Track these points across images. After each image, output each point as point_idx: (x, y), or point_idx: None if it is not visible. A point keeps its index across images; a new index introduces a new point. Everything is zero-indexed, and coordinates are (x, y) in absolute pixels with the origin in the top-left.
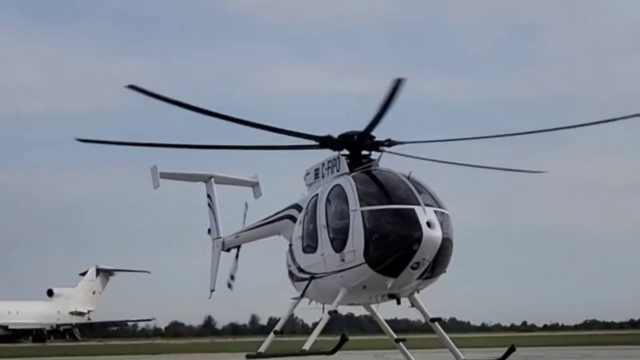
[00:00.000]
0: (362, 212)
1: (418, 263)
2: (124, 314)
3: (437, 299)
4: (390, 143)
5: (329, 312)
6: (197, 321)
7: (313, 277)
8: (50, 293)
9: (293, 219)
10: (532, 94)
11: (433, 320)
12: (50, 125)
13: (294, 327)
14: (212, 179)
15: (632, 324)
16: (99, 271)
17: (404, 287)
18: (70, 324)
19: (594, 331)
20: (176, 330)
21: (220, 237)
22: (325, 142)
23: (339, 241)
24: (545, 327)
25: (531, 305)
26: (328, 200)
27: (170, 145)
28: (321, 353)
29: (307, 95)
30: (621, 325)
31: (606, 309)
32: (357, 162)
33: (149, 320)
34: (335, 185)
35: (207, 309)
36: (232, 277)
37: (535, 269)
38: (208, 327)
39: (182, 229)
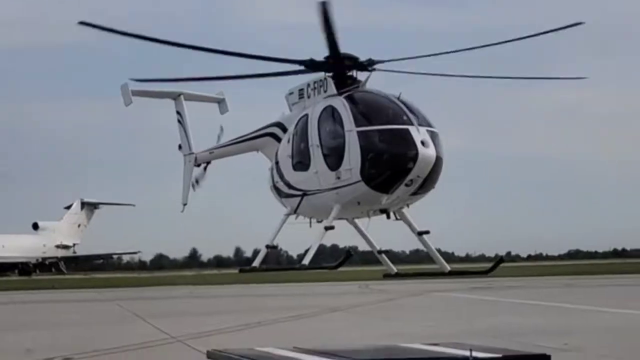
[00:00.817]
0: (357, 132)
1: (412, 180)
2: (109, 247)
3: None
4: (370, 62)
5: (325, 228)
6: (181, 254)
7: (305, 193)
8: (35, 226)
9: (275, 136)
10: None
11: (420, 233)
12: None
13: (278, 259)
14: (182, 96)
15: (616, 254)
16: (84, 204)
17: (397, 202)
18: (56, 257)
19: (578, 261)
20: (161, 262)
21: (192, 153)
22: (308, 65)
23: (334, 160)
24: (529, 258)
25: (515, 236)
26: (320, 121)
27: (151, 80)
28: (324, 267)
29: (282, 28)
30: (605, 255)
31: (590, 239)
32: (343, 84)
33: (134, 253)
34: (327, 107)
35: (192, 241)
36: (197, 182)
37: (519, 199)
38: (193, 260)
39: (167, 162)
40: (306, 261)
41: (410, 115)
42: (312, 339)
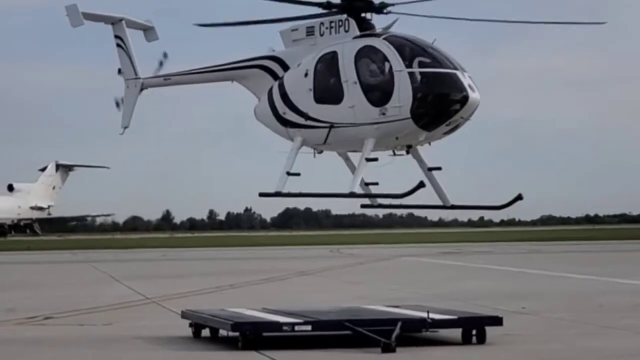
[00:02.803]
0: (408, 72)
1: (455, 121)
2: (84, 210)
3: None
4: (383, 5)
5: (367, 159)
6: (155, 216)
7: (333, 125)
8: (10, 188)
9: (268, 69)
10: None
11: (430, 169)
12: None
13: (252, 222)
14: (123, 22)
15: (588, 220)
16: (58, 167)
17: (430, 140)
18: (31, 219)
19: (550, 227)
20: (134, 224)
21: (138, 78)
22: (324, 6)
23: (379, 96)
24: (502, 223)
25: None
26: (357, 59)
27: None
28: (393, 196)
29: None
30: (577, 221)
31: (562, 204)
32: (360, 26)
33: (108, 215)
34: (366, 46)
35: (166, 203)
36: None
37: (491, 164)
38: (166, 222)
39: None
40: (355, 188)
41: (452, 59)
42: (281, 301)
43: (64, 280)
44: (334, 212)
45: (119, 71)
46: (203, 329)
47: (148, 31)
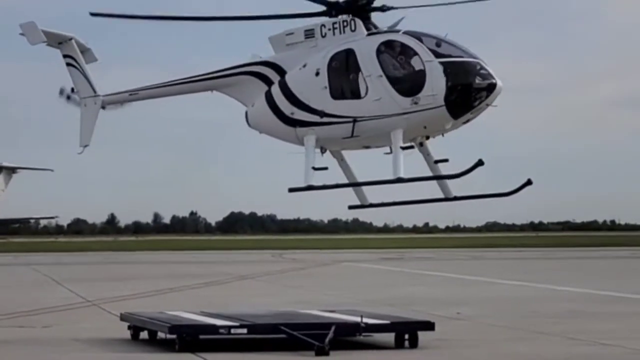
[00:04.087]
0: (439, 62)
1: (481, 108)
2: (27, 212)
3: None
4: (386, 8)
5: (402, 148)
6: (99, 219)
7: (356, 120)
8: None
9: (262, 76)
10: None
11: (437, 162)
12: None
13: (196, 226)
14: (73, 41)
15: (533, 227)
16: (1, 168)
17: (453, 128)
18: None
19: (494, 233)
20: (78, 227)
21: (97, 95)
22: (331, 6)
23: (410, 87)
24: (447, 229)
25: (433, 207)
26: (380, 54)
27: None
28: (450, 176)
29: None
30: (522, 228)
31: (507, 211)
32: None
33: (52, 218)
34: (387, 41)
35: (110, 207)
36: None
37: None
38: (111, 225)
39: None
40: (401, 173)
41: (470, 50)
42: (220, 305)
43: (5, 283)
44: (279, 217)
45: (72, 90)
46: (141, 332)
47: (86, 53)
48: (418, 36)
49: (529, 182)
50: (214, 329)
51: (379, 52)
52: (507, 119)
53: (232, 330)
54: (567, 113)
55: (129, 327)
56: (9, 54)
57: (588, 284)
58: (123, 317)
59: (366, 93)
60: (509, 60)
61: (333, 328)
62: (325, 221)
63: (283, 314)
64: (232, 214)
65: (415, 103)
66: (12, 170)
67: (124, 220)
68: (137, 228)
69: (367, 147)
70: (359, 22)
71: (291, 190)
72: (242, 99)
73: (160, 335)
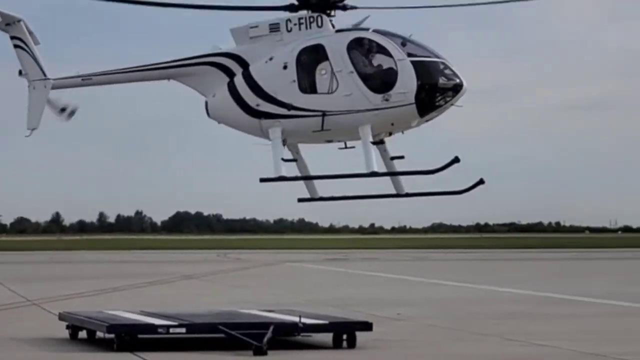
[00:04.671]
0: (410, 61)
1: (446, 107)
2: None
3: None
4: (349, 7)
5: (374, 142)
6: (44, 217)
7: (325, 114)
8: None
9: (223, 67)
10: None
11: (392, 158)
12: None
13: (142, 225)
14: (22, 23)
15: (478, 228)
16: None
17: (416, 126)
18: None
19: (440, 234)
20: (22, 226)
21: (47, 79)
22: (290, 8)
23: (381, 84)
24: (393, 230)
25: (379, 208)
26: (351, 50)
27: None
28: (425, 172)
29: None
30: (467, 229)
31: (454, 212)
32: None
33: None
34: (358, 38)
35: (55, 205)
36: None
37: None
38: (55, 224)
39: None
40: (374, 167)
41: (434, 50)
42: (162, 304)
43: None
44: (225, 216)
45: (20, 73)
46: (80, 331)
47: (31, 35)
48: (388, 34)
49: (481, 182)
50: (152, 328)
51: (349, 48)
52: (454, 120)
53: (171, 330)
54: (513, 116)
55: (68, 327)
56: None
57: (530, 286)
58: (61, 317)
59: (336, 88)
60: (462, 61)
61: (271, 328)
62: (271, 221)
63: (223, 313)
64: (178, 213)
65: (386, 100)
66: None
67: (68, 219)
68: (82, 227)
69: (330, 142)
70: (326, 19)
71: (262, 180)
72: (201, 89)
73: (99, 334)
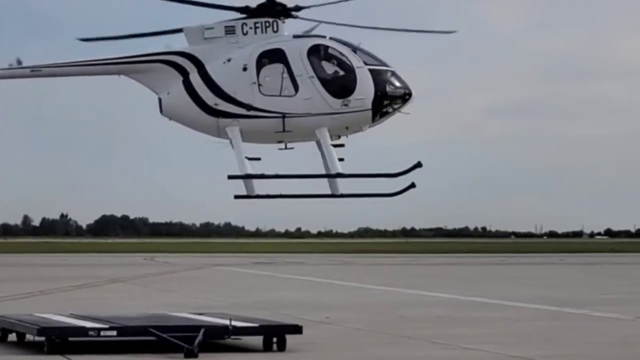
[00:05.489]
0: (367, 69)
1: (392, 114)
2: None
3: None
4: (297, 8)
5: (335, 145)
6: None
7: (285, 115)
8: None
9: (177, 66)
10: None
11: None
12: None
13: (67, 228)
14: None
15: (404, 232)
16: None
17: (364, 130)
18: None
19: (367, 239)
20: None
21: None
22: (244, 11)
23: (339, 90)
24: (319, 234)
25: (305, 212)
26: (311, 56)
27: None
28: (386, 175)
29: None
30: (394, 234)
31: (380, 217)
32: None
33: None
34: (317, 45)
35: None
36: None
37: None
38: None
39: None
40: (339, 169)
41: (381, 58)
42: (90, 307)
43: None
44: (151, 219)
45: None
46: (10, 334)
47: None
48: (347, 42)
49: (412, 185)
50: (83, 331)
51: (309, 54)
52: (383, 125)
53: (102, 333)
54: (441, 120)
55: None
56: None
57: (456, 290)
58: None
59: (296, 92)
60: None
61: (202, 331)
62: (198, 225)
63: (153, 316)
64: (104, 216)
65: (345, 105)
66: None
67: None
68: (5, 230)
69: (281, 142)
70: (282, 24)
71: (230, 177)
72: (153, 86)
73: (29, 337)
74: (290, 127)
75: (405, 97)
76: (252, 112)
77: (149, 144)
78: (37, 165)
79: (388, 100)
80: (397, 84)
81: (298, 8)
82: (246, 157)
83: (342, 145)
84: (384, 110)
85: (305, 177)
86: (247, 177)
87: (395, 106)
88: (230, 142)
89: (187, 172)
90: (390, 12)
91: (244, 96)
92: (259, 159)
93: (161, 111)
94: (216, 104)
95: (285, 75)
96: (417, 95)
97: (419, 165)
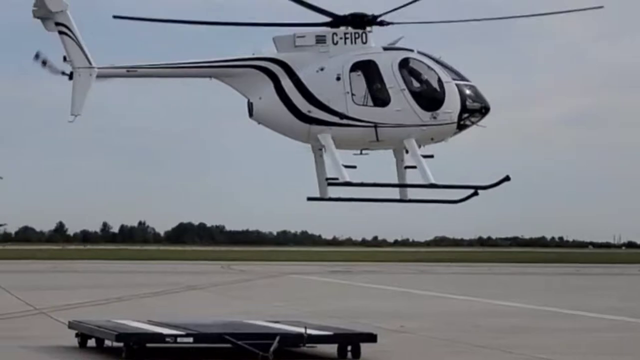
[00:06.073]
0: (455, 84)
1: (469, 126)
2: None
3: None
4: (383, 23)
5: (424, 156)
6: (48, 227)
7: (377, 125)
8: None
9: (268, 72)
10: None
11: (406, 167)
12: None
13: (145, 236)
14: (68, 10)
15: (481, 242)
16: None
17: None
18: None
19: (443, 248)
20: (26, 235)
21: (92, 67)
22: (336, 19)
23: (430, 103)
24: (396, 243)
25: (382, 221)
26: (402, 69)
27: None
28: (478, 187)
29: None
30: (470, 243)
31: (456, 226)
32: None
33: (1, 225)
34: (408, 58)
35: (59, 215)
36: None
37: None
38: (59, 234)
39: (35, 134)
40: (432, 179)
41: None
42: (167, 314)
43: None
44: (228, 228)
45: (37, 56)
46: (89, 339)
47: None
48: (434, 57)
49: (507, 178)
50: (160, 337)
51: (400, 67)
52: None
53: (179, 339)
54: (516, 130)
55: (77, 335)
56: None
57: (531, 300)
58: (71, 325)
59: (388, 103)
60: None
61: (277, 338)
62: (274, 233)
63: (229, 323)
64: (181, 224)
65: (434, 117)
66: None
67: (72, 229)
68: (85, 237)
69: (365, 149)
70: (370, 35)
71: (330, 184)
72: (244, 90)
73: (107, 343)
74: (381, 136)
75: (483, 110)
76: (344, 121)
77: (225, 152)
78: (116, 173)
79: (469, 113)
80: (478, 98)
81: (385, 22)
82: (344, 165)
83: (431, 156)
84: (466, 123)
85: (402, 186)
86: (346, 184)
87: (474, 119)
88: (319, 149)
89: (263, 180)
90: (467, 26)
91: (338, 105)
92: (354, 166)
93: (251, 115)
94: (309, 111)
95: (378, 86)
96: (490, 103)
97: (507, 179)
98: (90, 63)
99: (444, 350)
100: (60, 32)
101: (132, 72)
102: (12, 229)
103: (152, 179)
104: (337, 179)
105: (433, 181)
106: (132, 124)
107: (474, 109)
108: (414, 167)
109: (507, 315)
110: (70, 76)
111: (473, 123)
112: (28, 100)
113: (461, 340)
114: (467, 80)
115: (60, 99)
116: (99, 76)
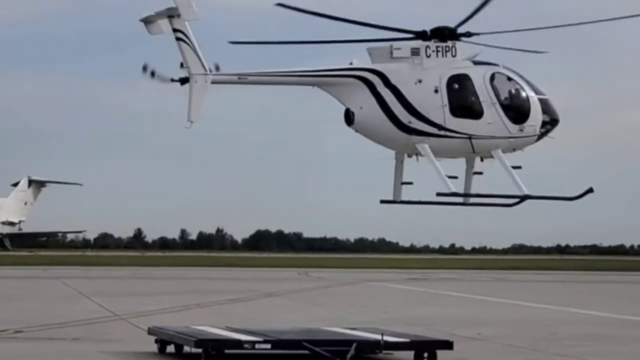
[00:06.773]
0: (538, 98)
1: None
2: (55, 226)
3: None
4: (468, 34)
5: (514, 167)
6: (126, 234)
7: (471, 137)
8: None
9: (367, 81)
10: None
11: (474, 173)
12: None
13: (223, 243)
14: (182, 17)
15: (559, 250)
16: (31, 182)
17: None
18: (1, 234)
19: (521, 256)
20: (105, 242)
21: (207, 74)
22: (420, 35)
23: (518, 116)
24: (474, 250)
25: (460, 228)
26: (493, 83)
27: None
28: (564, 198)
29: None
30: (548, 251)
31: (534, 233)
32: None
33: (80, 232)
34: (497, 73)
35: (137, 221)
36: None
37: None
38: (137, 240)
39: (115, 142)
40: (525, 190)
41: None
42: (245, 320)
43: (34, 295)
44: (305, 235)
45: (144, 68)
46: (168, 345)
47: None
48: (517, 72)
49: (590, 190)
50: (238, 343)
51: (491, 81)
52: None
53: (257, 346)
54: (596, 136)
55: (156, 341)
56: (37, 64)
57: (609, 308)
58: (150, 331)
59: (481, 115)
60: (545, 83)
61: (354, 345)
62: (352, 240)
63: (306, 330)
64: (259, 231)
65: (521, 130)
66: (41, 184)
67: (150, 236)
68: (163, 243)
69: (453, 158)
70: (460, 49)
71: (439, 194)
72: (343, 99)
73: (186, 349)
74: (476, 147)
75: (554, 122)
76: (442, 132)
77: (303, 159)
78: (195, 179)
79: (548, 126)
80: (552, 111)
81: (469, 34)
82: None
83: (519, 167)
84: (543, 134)
85: (499, 197)
86: (454, 195)
87: (549, 131)
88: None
89: (341, 187)
90: (549, 34)
91: (436, 116)
92: (456, 177)
93: (350, 124)
94: (410, 122)
95: (472, 99)
96: (570, 110)
97: (590, 190)
98: (205, 69)
99: (519, 358)
100: (178, 39)
101: (243, 79)
102: (91, 235)
103: (230, 185)
104: (445, 192)
105: (525, 191)
106: (209, 131)
107: (548, 121)
108: (481, 173)
109: (585, 323)
110: (182, 82)
111: (546, 134)
112: (108, 105)
113: (537, 347)
114: (543, 94)
115: (143, 105)
116: (213, 82)
